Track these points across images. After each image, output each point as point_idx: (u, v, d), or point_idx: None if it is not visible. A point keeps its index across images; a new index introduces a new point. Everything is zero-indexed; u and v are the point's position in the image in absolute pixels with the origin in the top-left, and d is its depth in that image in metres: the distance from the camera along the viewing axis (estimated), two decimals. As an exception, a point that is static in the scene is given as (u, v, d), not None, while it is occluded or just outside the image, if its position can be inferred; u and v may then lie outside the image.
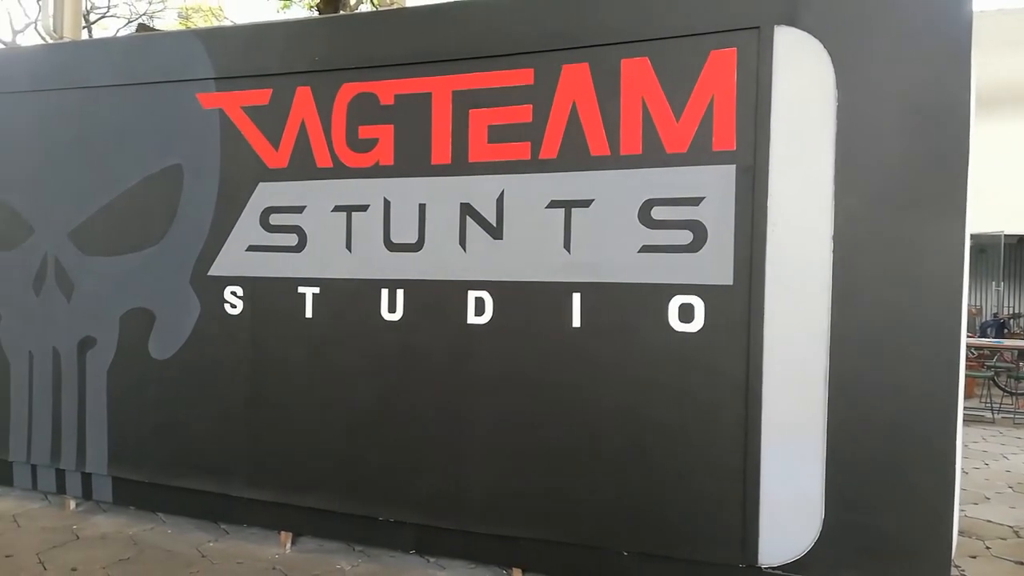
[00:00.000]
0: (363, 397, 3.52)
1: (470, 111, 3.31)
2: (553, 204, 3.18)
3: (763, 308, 2.88)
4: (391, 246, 3.46)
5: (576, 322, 3.15)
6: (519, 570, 3.36)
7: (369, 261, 3.49)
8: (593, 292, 3.12)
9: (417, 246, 3.41)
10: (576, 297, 3.14)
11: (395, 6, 4.27)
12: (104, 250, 4.02)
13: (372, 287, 3.49)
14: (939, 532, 2.74)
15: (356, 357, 3.53)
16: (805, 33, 2.83)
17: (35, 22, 18.66)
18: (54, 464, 4.16)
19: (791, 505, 2.86)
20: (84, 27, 17.66)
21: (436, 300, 3.38)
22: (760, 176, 2.87)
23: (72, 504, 4.25)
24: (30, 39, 18.96)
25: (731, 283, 2.92)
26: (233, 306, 3.75)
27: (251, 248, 3.70)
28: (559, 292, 3.17)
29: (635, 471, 3.08)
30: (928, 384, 2.73)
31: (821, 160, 2.81)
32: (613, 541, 3.13)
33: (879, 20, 2.78)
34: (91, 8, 19.35)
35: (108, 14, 20.22)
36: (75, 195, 4.07)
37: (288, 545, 3.74)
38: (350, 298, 3.53)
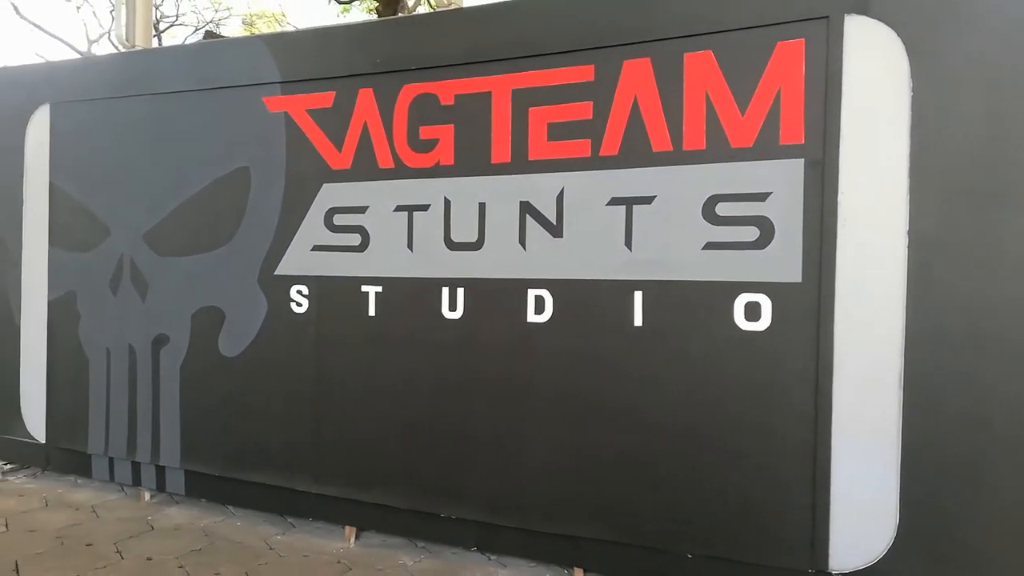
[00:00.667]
0: (425, 394, 3.54)
1: (530, 109, 3.28)
2: (614, 201, 3.14)
3: (833, 306, 2.79)
4: (452, 245, 3.47)
5: (638, 320, 3.10)
6: (581, 570, 3.32)
7: (430, 260, 3.51)
8: (655, 290, 3.06)
9: (477, 245, 3.42)
10: (638, 295, 3.09)
11: (453, 6, 4.28)
12: (177, 251, 4.13)
13: (433, 286, 3.50)
14: (1021, 540, 2.61)
15: (418, 355, 3.55)
16: (877, 21, 2.72)
17: (109, 32, 19.42)
18: (130, 457, 4.31)
19: (864, 510, 2.77)
20: (154, 36, 18.26)
21: (496, 298, 3.38)
22: (830, 170, 2.77)
23: (147, 496, 4.39)
24: (104, 48, 19.72)
25: (799, 280, 2.83)
26: (299, 305, 3.81)
27: (316, 248, 3.76)
28: (620, 290, 3.13)
29: (700, 472, 3.02)
30: (1009, 385, 2.60)
31: (895, 153, 2.70)
32: (677, 543, 3.07)
33: (956, 6, 2.65)
34: (160, 17, 20.03)
35: (176, 23, 20.90)
36: (149, 198, 4.21)
37: (352, 540, 3.79)
38: (412, 297, 3.55)
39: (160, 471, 4.26)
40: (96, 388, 4.39)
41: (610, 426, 3.17)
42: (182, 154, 4.11)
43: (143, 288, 4.23)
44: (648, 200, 3.07)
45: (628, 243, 3.11)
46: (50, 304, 4.54)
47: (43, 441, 4.60)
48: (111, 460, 4.41)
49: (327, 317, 3.74)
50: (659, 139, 3.05)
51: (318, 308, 3.76)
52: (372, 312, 3.64)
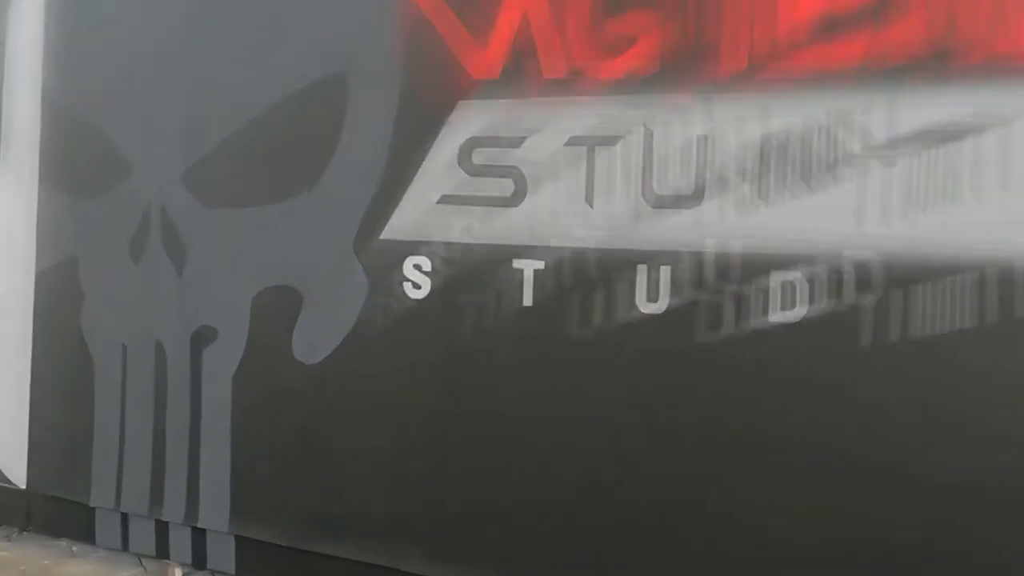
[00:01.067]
0: (611, 429, 4.18)
1: (782, -12, 3.81)
2: (931, 135, 3.64)
3: None
4: (654, 199, 4.13)
5: (907, 327, 3.66)
6: None
7: (620, 222, 4.17)
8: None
9: (694, 199, 4.04)
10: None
11: None
12: (231, 200, 5.07)
13: (624, 262, 4.15)
14: None
15: (597, 368, 4.21)
16: None
17: None
18: (153, 515, 5.22)
19: None
20: None
21: (723, 283, 3.96)
22: None
23: (177, 573, 5.25)
24: None
25: None
26: (416, 286, 4.57)
27: (445, 200, 4.53)
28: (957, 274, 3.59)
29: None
30: None
31: None
32: None
33: None
34: None
35: None
36: (191, 119, 5.14)
37: (488, 649, 4.51)
38: (591, 278, 4.22)
39: (199, 537, 5.16)
40: (105, 408, 5.38)
41: (893, 488, 3.69)
42: (243, 54, 4.99)
43: (180, 255, 5.16)
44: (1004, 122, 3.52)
45: (951, 200, 3.60)
46: (38, 277, 5.63)
47: (23, 487, 5.62)
48: (124, 518, 5.38)
49: (459, 306, 4.49)
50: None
51: (446, 292, 4.51)
52: (528, 300, 4.35)
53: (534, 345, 4.41)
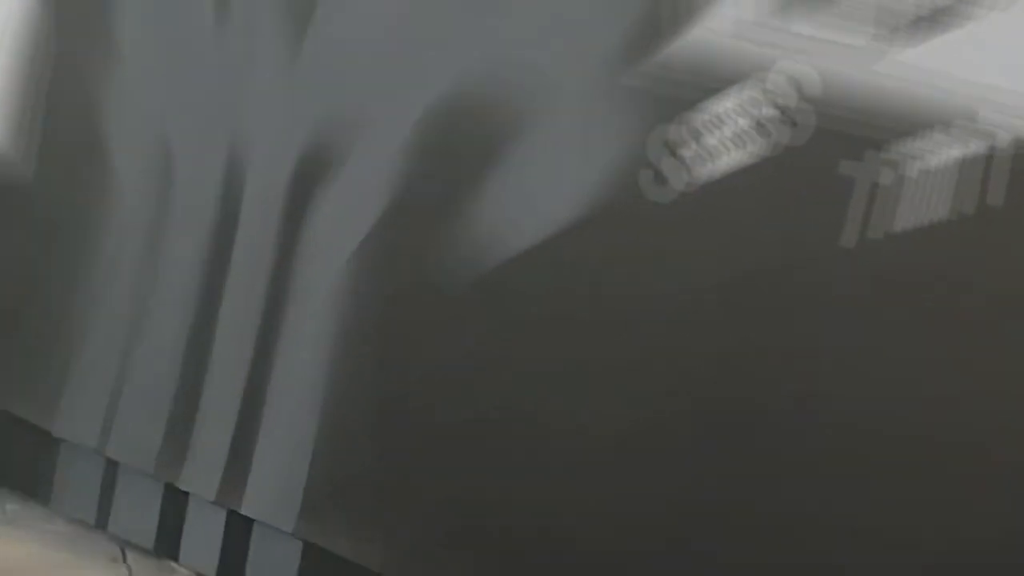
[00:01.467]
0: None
1: None
2: None
3: None
4: None
5: None
6: None
7: None
8: None
9: None
10: None
11: None
12: None
13: None
14: None
15: None
16: None
17: None
18: (164, 476, 4.59)
19: None
20: None
21: None
22: None
23: None
24: None
25: None
26: (720, 151, 3.67)
27: (788, 5, 3.67)
28: None
29: None
30: None
31: None
32: None
33: None
34: None
35: None
36: None
37: None
38: None
39: (238, 529, 4.46)
40: (113, 255, 4.73)
41: None
42: None
43: (303, 11, 4.41)
44: None
45: None
46: (35, 5, 4.96)
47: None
48: (110, 471, 4.72)
49: (802, 197, 3.61)
50: None
51: (778, 168, 3.62)
52: (946, 205, 3.38)
53: (966, 287, 3.39)
